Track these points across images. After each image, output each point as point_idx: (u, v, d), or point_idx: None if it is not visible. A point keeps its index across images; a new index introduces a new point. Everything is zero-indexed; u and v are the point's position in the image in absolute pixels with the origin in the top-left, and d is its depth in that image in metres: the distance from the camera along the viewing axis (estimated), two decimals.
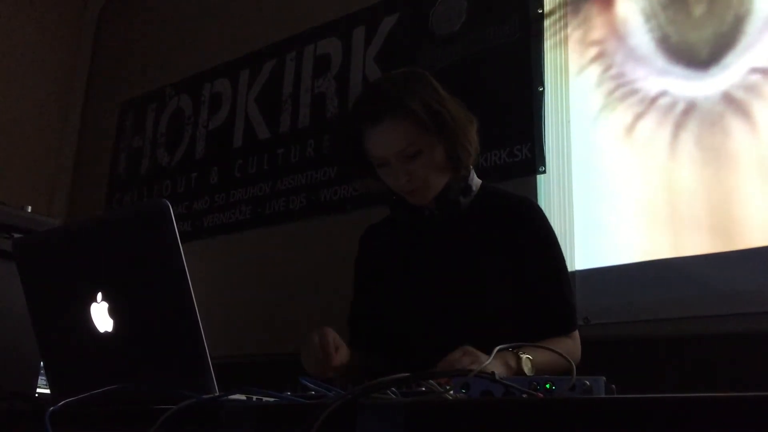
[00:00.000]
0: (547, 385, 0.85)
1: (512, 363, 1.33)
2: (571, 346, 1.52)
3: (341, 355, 1.45)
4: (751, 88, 1.97)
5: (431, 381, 0.87)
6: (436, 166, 1.56)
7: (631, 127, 2.17)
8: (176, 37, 3.78)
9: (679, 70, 2.11)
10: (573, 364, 1.07)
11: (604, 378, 0.89)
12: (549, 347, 1.35)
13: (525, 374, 1.32)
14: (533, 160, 2.32)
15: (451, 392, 0.85)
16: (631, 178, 2.14)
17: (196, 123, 3.51)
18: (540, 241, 1.59)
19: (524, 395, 0.83)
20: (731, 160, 1.97)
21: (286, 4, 3.32)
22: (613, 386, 0.98)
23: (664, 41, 2.16)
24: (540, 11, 2.44)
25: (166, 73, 3.74)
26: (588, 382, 0.85)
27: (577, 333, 1.55)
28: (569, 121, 2.30)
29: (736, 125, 1.98)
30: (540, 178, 2.29)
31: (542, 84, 2.37)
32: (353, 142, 1.59)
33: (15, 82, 3.85)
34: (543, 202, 2.20)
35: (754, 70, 1.98)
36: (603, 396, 0.85)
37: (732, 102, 2.00)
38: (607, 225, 2.15)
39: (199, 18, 3.70)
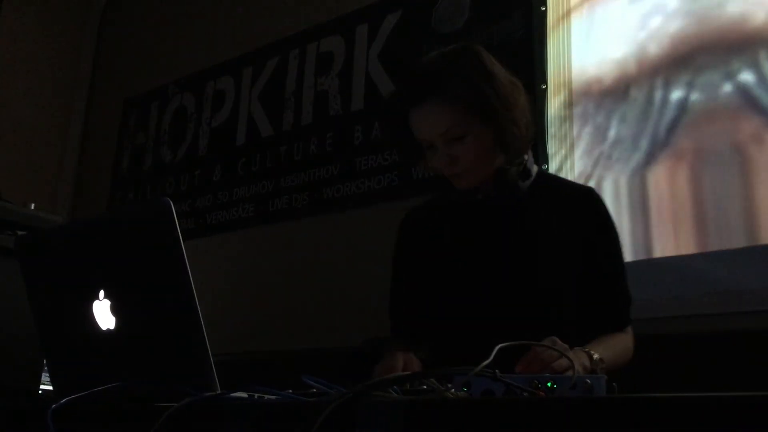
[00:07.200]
0: (549, 384, 0.85)
1: (587, 363, 1.27)
2: (629, 342, 1.48)
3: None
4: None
5: (432, 379, 0.87)
6: (482, 151, 1.46)
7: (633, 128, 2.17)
8: (179, 35, 3.78)
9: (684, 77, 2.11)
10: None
11: (606, 377, 0.89)
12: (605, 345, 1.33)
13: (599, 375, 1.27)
14: (536, 158, 2.31)
15: (452, 390, 0.85)
16: (633, 176, 2.13)
17: (199, 120, 3.51)
18: (606, 233, 1.52)
19: (525, 394, 0.83)
20: (731, 160, 1.97)
21: (289, 2, 3.32)
22: (615, 385, 0.99)
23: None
24: (543, 8, 2.44)
25: (169, 70, 3.74)
26: (589, 381, 0.85)
27: (631, 328, 1.50)
28: (572, 119, 2.30)
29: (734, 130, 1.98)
30: None
31: (545, 81, 2.37)
32: (400, 124, 1.51)
33: (19, 79, 3.85)
34: None
35: None
36: (604, 395, 0.85)
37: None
38: None
39: (202, 15, 3.70)
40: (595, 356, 1.27)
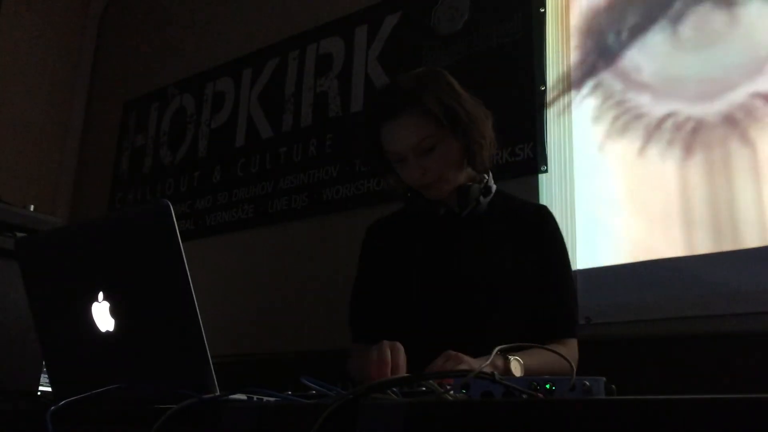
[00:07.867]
0: (548, 386, 0.85)
1: (499, 363, 1.35)
2: (564, 352, 1.52)
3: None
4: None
5: (431, 381, 0.87)
6: (452, 161, 1.59)
7: (633, 127, 2.17)
8: (179, 36, 3.78)
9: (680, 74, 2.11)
10: (573, 365, 1.06)
11: (604, 379, 0.89)
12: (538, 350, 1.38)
13: (512, 375, 1.34)
14: (535, 159, 2.32)
15: (452, 393, 0.85)
16: (632, 177, 2.13)
17: (199, 122, 3.51)
18: (556, 250, 1.64)
19: (524, 396, 0.83)
20: (732, 160, 1.97)
21: (288, 3, 3.32)
22: (613, 387, 0.99)
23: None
24: (542, 9, 2.44)
25: (168, 72, 3.74)
26: (588, 383, 0.85)
27: (575, 342, 1.59)
28: (571, 120, 2.30)
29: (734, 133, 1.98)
30: (541, 177, 2.29)
31: (544, 83, 2.37)
32: (372, 138, 1.62)
33: (18, 81, 3.85)
34: (544, 202, 2.20)
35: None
36: (603, 397, 0.85)
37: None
38: (608, 224, 2.15)
39: (201, 17, 3.70)
40: (512, 357, 1.36)
